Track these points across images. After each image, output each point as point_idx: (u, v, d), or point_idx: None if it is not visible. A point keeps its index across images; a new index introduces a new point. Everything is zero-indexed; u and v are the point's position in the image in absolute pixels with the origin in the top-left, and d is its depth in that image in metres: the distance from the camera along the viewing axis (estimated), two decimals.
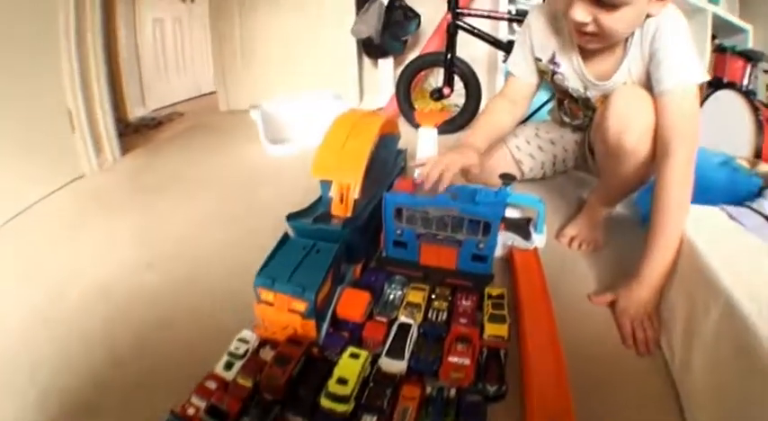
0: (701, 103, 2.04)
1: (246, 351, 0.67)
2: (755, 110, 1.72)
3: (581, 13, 0.83)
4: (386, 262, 0.90)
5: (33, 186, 1.58)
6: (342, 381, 0.58)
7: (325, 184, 0.86)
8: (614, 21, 0.84)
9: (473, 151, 1.01)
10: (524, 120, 1.54)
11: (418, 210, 0.82)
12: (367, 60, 2.81)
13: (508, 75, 1.19)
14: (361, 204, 0.85)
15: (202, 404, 0.58)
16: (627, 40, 0.94)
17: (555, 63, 1.08)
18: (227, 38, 2.96)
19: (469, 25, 2.00)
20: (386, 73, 2.66)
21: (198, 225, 1.27)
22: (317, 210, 0.87)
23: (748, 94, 1.87)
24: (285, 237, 0.81)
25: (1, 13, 1.45)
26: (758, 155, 1.68)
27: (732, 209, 0.88)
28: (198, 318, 0.85)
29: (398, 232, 0.85)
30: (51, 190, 1.62)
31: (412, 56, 2.53)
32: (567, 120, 1.28)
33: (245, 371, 0.63)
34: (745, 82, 2.03)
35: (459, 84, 2.11)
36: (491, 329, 0.70)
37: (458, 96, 2.16)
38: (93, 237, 1.26)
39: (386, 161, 1.04)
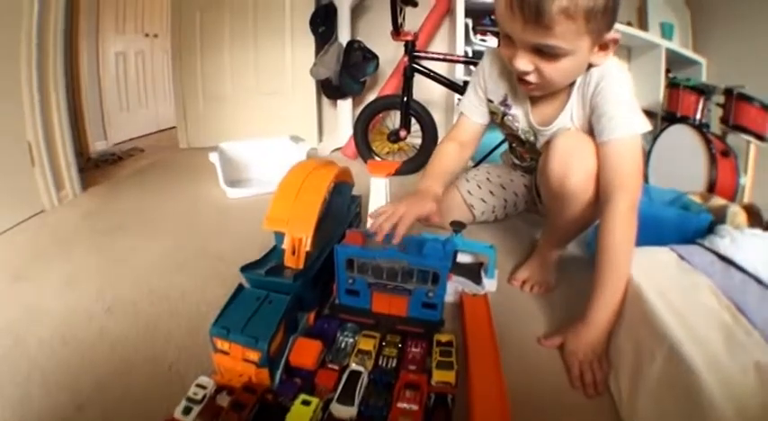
0: (656, 138, 2.14)
1: (204, 396, 0.68)
2: (708, 143, 1.83)
3: (523, 63, 0.88)
4: (339, 309, 0.94)
5: None
6: None
7: (280, 235, 0.90)
8: (555, 70, 0.88)
9: (430, 198, 1.07)
10: (478, 163, 1.63)
11: (369, 261, 0.87)
12: (326, 101, 2.89)
13: (460, 115, 1.24)
14: (313, 256, 0.89)
15: None
16: (570, 86, 0.99)
17: (506, 105, 1.13)
18: (188, 75, 2.99)
19: (426, 68, 2.08)
20: (344, 113, 2.75)
21: (156, 268, 1.29)
22: (272, 259, 0.91)
23: (701, 128, 1.97)
24: (240, 288, 0.84)
25: None
26: (712, 186, 1.77)
27: (682, 248, 0.92)
28: (157, 364, 0.86)
29: (350, 281, 0.89)
30: (10, 225, 1.63)
31: (371, 96, 2.65)
32: (516, 162, 1.36)
33: (203, 416, 0.65)
34: (698, 116, 2.10)
35: (416, 125, 2.18)
36: (439, 376, 0.73)
37: (415, 137, 2.23)
38: (52, 277, 1.26)
39: (340, 208, 1.08)
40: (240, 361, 0.73)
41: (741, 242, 0.91)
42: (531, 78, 0.92)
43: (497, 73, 1.12)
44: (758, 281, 0.81)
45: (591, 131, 0.96)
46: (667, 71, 2.73)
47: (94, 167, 2.60)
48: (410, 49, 2.05)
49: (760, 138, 1.96)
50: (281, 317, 0.77)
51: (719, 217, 1.23)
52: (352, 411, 0.67)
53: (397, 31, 2.01)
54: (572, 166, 0.93)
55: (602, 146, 0.90)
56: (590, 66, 0.92)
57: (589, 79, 0.94)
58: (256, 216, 0.94)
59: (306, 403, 0.65)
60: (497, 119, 1.18)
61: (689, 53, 2.71)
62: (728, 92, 2.03)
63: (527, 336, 0.93)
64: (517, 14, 0.80)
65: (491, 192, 1.40)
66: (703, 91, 2.12)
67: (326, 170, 0.99)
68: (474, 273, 1.03)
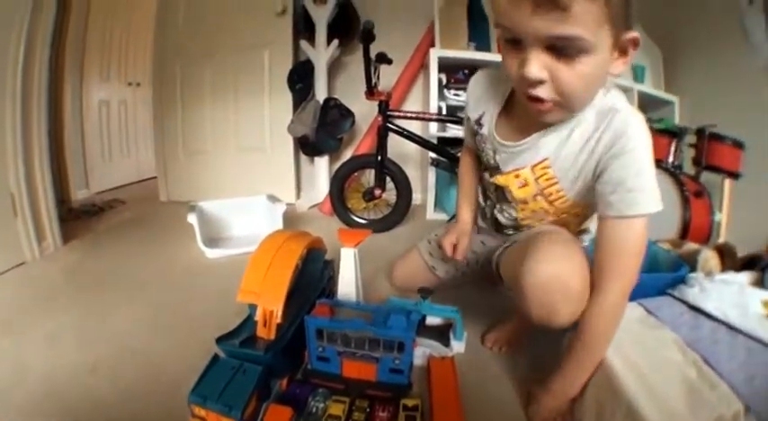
0: None
1: None
2: (681, 185, 1.89)
3: (535, 68, 0.72)
4: (310, 374, 1.00)
5: None
6: None
7: (253, 306, 0.97)
8: (575, 76, 0.73)
9: (464, 229, 1.21)
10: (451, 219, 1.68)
11: (337, 331, 0.94)
12: (305, 157, 2.97)
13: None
14: (284, 326, 0.96)
15: None
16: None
17: (480, 124, 1.06)
18: (169, 129, 3.08)
19: (399, 127, 2.17)
20: (322, 170, 2.84)
21: (137, 329, 1.34)
22: (246, 329, 0.98)
23: (675, 170, 2.05)
24: (216, 358, 0.91)
25: None
26: (687, 227, 1.83)
27: (651, 301, 0.99)
28: None
29: (320, 349, 0.96)
30: None
31: (348, 152, 2.74)
32: (482, 204, 1.26)
33: None
34: (671, 158, 2.18)
35: (391, 182, 2.26)
36: None
37: (392, 193, 2.31)
38: (36, 333, 1.31)
39: (313, 274, 1.16)
40: None
41: (710, 290, 0.97)
42: (545, 92, 0.76)
43: (480, 91, 1.05)
44: (729, 326, 0.88)
45: (579, 182, 0.90)
46: None
47: (76, 218, 2.66)
48: (384, 108, 2.14)
49: (734, 175, 2.06)
50: (254, 387, 0.83)
51: (692, 263, 1.26)
52: None
53: (371, 90, 2.10)
54: (556, 309, 0.81)
55: (608, 219, 0.81)
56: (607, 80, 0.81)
57: (605, 124, 0.82)
58: (234, 275, 1.01)
59: None
60: (479, 138, 1.08)
61: (661, 94, 2.84)
62: (700, 132, 2.14)
63: (493, 397, 0.99)
64: (532, 4, 0.66)
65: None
66: (675, 133, 2.21)
67: (296, 244, 1.07)
68: (442, 335, 1.10)
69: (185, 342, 1.20)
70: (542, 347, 1.10)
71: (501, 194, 1.09)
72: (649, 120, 2.73)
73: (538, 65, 0.72)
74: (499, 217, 1.15)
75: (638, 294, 0.94)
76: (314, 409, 0.90)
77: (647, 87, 2.85)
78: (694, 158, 2.17)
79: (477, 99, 1.06)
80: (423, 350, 1.08)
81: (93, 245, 2.21)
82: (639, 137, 0.79)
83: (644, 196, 0.78)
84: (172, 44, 3.00)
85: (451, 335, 1.11)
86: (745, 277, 1.09)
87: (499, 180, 1.04)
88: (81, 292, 1.61)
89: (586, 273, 0.82)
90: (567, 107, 0.80)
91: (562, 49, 0.70)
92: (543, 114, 0.82)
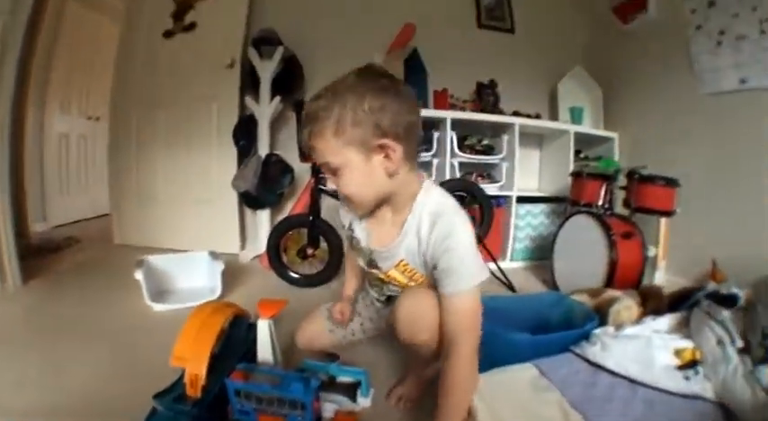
0: (560, 227, 2.36)
1: None
2: (608, 229, 2.04)
3: (329, 183, 1.16)
4: None
5: None
6: None
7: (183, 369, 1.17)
8: (345, 184, 1.05)
9: (348, 301, 1.49)
10: None
11: (251, 392, 1.13)
12: (249, 210, 3.11)
13: None
14: (210, 385, 1.15)
15: None
16: (401, 215, 1.14)
17: (351, 229, 1.31)
18: (124, 173, 3.21)
19: (332, 189, 2.29)
20: (263, 223, 2.99)
21: (92, 378, 1.47)
22: (179, 386, 1.18)
23: (604, 213, 2.20)
24: (154, 410, 1.12)
25: None
26: (614, 267, 1.97)
27: (547, 362, 1.08)
28: None
29: (239, 405, 1.16)
30: None
31: (290, 204, 2.87)
32: (373, 295, 1.47)
33: None
34: (601, 201, 2.32)
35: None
36: None
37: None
38: (2, 378, 1.45)
39: (236, 339, 1.36)
40: None
41: (612, 347, 1.05)
42: (340, 195, 1.14)
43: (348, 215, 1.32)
44: (630, 380, 0.95)
45: (426, 264, 1.13)
46: (578, 152, 3.02)
47: (35, 254, 2.81)
48: (317, 171, 2.33)
49: (667, 213, 2.18)
50: None
51: (605, 316, 1.36)
52: None
53: (303, 155, 2.29)
54: (417, 327, 1.11)
55: (448, 297, 1.05)
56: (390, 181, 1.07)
57: (420, 215, 1.11)
58: (177, 329, 1.21)
59: None
60: (353, 241, 1.32)
61: (599, 132, 3.02)
62: (630, 175, 2.26)
63: None
64: (305, 145, 1.07)
65: (358, 314, 1.54)
66: (606, 176, 2.34)
67: (218, 317, 1.28)
68: (350, 391, 1.29)
69: (132, 392, 1.28)
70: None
71: (382, 282, 1.35)
72: (586, 159, 2.96)
73: (330, 182, 1.12)
74: (389, 293, 1.38)
75: (544, 353, 1.11)
76: None
77: (585, 128, 3.03)
78: (624, 201, 2.32)
79: (345, 211, 1.32)
80: (332, 406, 1.26)
81: (52, 287, 2.36)
82: (461, 234, 1.06)
83: (468, 277, 1.04)
84: (130, 89, 3.15)
85: (359, 392, 1.30)
86: (664, 322, 1.16)
87: (381, 276, 1.30)
88: (40, 339, 1.76)
89: (435, 308, 1.08)
90: (355, 203, 1.12)
91: (329, 169, 1.05)
92: (353, 209, 1.20)
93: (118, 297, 2.24)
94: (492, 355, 1.22)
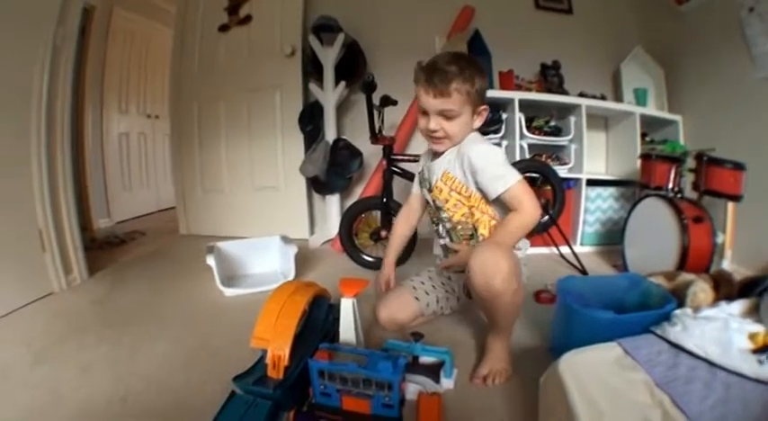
0: (630, 211, 2.31)
1: None
2: (679, 213, 1.98)
3: (434, 124, 1.41)
4: (315, 407, 1.17)
5: (7, 297, 1.87)
6: None
7: (264, 350, 1.17)
8: (453, 126, 1.42)
9: (389, 269, 1.75)
10: None
11: (336, 373, 1.12)
12: (317, 195, 3.14)
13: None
14: (291, 367, 1.15)
15: None
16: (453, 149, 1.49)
17: (423, 169, 1.66)
18: (187, 164, 3.29)
19: (403, 170, 2.32)
20: (333, 207, 3.01)
21: (162, 364, 1.50)
22: (258, 369, 1.17)
23: (674, 196, 2.14)
24: (233, 394, 1.10)
25: None
26: (686, 252, 1.93)
27: (630, 341, 1.04)
28: None
29: (322, 386, 1.14)
30: (21, 304, 1.90)
31: (359, 189, 2.90)
32: (441, 242, 1.68)
33: None
34: (671, 184, 2.26)
35: None
36: None
37: None
38: (70, 364, 1.49)
39: (318, 319, 1.36)
40: None
41: (692, 328, 1.02)
42: (440, 134, 1.44)
43: (424, 156, 1.70)
44: (709, 363, 0.94)
45: (468, 177, 1.45)
46: (644, 135, 2.93)
47: (99, 248, 2.89)
48: (387, 153, 2.32)
49: (735, 198, 2.09)
50: (264, 419, 1.03)
51: (682, 299, 1.33)
52: None
53: (374, 136, 2.29)
54: (490, 272, 1.24)
55: (502, 196, 1.38)
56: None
57: (461, 147, 1.46)
58: (250, 313, 1.21)
59: None
60: (424, 184, 1.65)
61: (664, 114, 2.91)
62: (698, 157, 2.18)
63: None
64: (430, 92, 1.37)
65: (433, 287, 1.69)
66: (675, 159, 2.28)
67: (301, 296, 1.27)
68: (434, 372, 1.27)
69: (207, 377, 1.35)
70: (531, 378, 1.21)
71: (436, 208, 1.60)
72: (652, 142, 2.86)
73: (435, 122, 1.42)
74: (441, 230, 1.64)
75: (623, 333, 1.09)
76: None
77: (650, 109, 2.94)
78: (693, 184, 2.22)
79: (423, 158, 1.71)
80: (414, 386, 1.25)
81: (118, 278, 2.40)
82: (488, 153, 1.42)
83: (508, 177, 1.37)
84: (187, 86, 3.24)
85: (442, 373, 1.28)
86: (737, 307, 1.13)
87: (433, 193, 1.58)
88: (109, 327, 1.79)
89: (511, 260, 1.26)
90: (452, 140, 1.47)
91: (447, 114, 1.39)
92: (439, 145, 1.50)
93: (187, 284, 2.29)
94: (574, 333, 1.25)
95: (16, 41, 1.92)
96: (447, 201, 1.54)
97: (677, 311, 1.14)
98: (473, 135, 1.49)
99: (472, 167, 1.41)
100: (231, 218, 3.27)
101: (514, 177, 1.37)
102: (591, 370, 0.96)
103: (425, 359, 1.32)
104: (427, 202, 1.66)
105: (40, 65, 2.02)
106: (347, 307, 1.35)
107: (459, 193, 1.50)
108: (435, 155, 1.57)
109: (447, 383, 1.29)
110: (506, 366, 1.36)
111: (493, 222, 1.51)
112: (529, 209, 1.36)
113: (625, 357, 1.00)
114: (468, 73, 1.36)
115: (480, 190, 1.45)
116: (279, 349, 1.14)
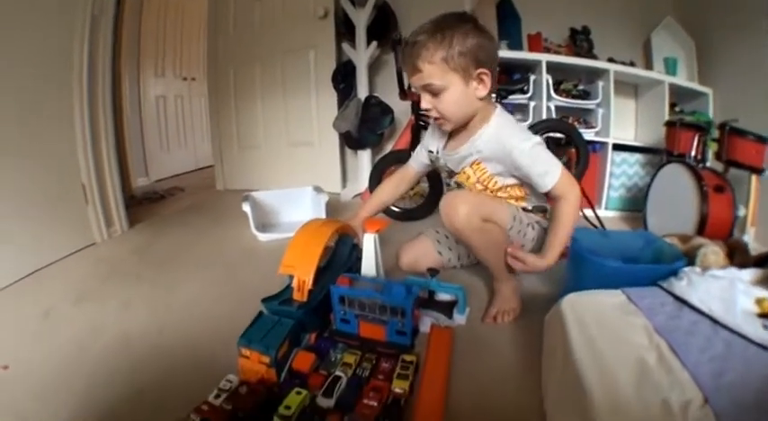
0: (653, 177, 2.33)
1: (230, 387, 1.04)
2: (700, 180, 1.99)
3: (424, 103, 1.32)
4: (335, 333, 1.29)
5: (53, 248, 2.00)
6: (287, 408, 0.95)
7: (291, 277, 1.29)
8: (444, 104, 1.31)
9: (357, 220, 1.63)
10: None
11: (355, 299, 1.23)
12: (349, 150, 3.25)
13: (407, 164, 1.77)
14: (314, 292, 1.26)
15: (197, 418, 0.94)
16: (474, 132, 1.41)
17: (432, 151, 1.60)
18: (224, 122, 3.43)
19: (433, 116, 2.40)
20: (364, 162, 3.10)
21: (197, 300, 1.62)
22: (285, 294, 1.29)
23: (696, 164, 2.14)
24: (260, 314, 1.22)
25: (28, 106, 1.87)
26: (704, 222, 1.94)
27: (635, 290, 1.06)
28: (198, 366, 1.21)
29: (342, 313, 1.26)
30: (66, 254, 2.03)
31: (389, 145, 2.98)
32: None
33: (228, 399, 1.00)
34: (694, 152, 2.25)
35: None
36: (396, 383, 1.05)
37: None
38: (111, 301, 1.61)
39: (341, 254, 1.48)
40: (257, 363, 1.09)
41: (697, 284, 1.02)
42: (434, 113, 1.35)
43: (435, 131, 1.58)
44: (712, 320, 0.93)
45: (498, 166, 1.42)
46: (673, 105, 2.91)
47: (138, 204, 3.03)
48: (416, 108, 2.39)
49: (757, 170, 2.06)
50: (287, 334, 1.14)
51: (693, 260, 1.35)
52: (330, 402, 1.00)
53: (403, 93, 2.36)
54: (452, 208, 1.35)
55: (550, 193, 1.35)
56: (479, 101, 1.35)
57: (490, 132, 1.38)
58: (281, 256, 1.31)
59: (299, 393, 1.00)
60: (436, 161, 1.63)
61: (694, 85, 2.85)
62: (722, 127, 2.15)
63: (483, 361, 1.21)
64: (407, 69, 1.30)
65: (456, 242, 1.72)
66: (700, 128, 2.28)
67: (326, 228, 1.37)
68: (447, 309, 1.37)
69: (238, 308, 1.43)
70: (537, 322, 1.26)
71: (449, 175, 1.60)
72: (681, 113, 2.84)
73: (425, 101, 1.32)
74: (453, 186, 1.63)
75: (630, 283, 1.12)
76: (333, 358, 1.18)
77: (680, 80, 2.88)
78: (716, 153, 2.20)
79: (435, 137, 1.60)
80: (429, 320, 1.35)
81: (157, 228, 2.54)
82: (524, 154, 1.33)
83: (550, 170, 1.33)
84: (223, 47, 3.37)
85: (455, 310, 1.38)
86: (748, 274, 1.12)
87: (458, 177, 1.54)
88: (149, 269, 1.91)
89: (469, 205, 1.35)
90: (450, 120, 1.37)
91: (431, 91, 1.29)
92: (441, 126, 1.43)
93: (223, 232, 2.42)
94: (582, 280, 1.27)
95: (58, 15, 2.03)
96: (470, 184, 1.52)
97: (686, 268, 1.15)
98: (499, 119, 1.40)
99: (515, 164, 1.35)
100: (266, 173, 3.42)
101: (557, 168, 1.33)
102: (593, 310, 1.00)
103: (440, 296, 1.41)
104: (433, 170, 1.73)
105: (79, 34, 2.13)
106: (369, 241, 1.44)
107: (486, 187, 1.49)
108: (455, 137, 1.51)
109: (459, 319, 1.39)
110: (514, 306, 1.45)
111: (515, 192, 1.52)
112: (574, 194, 1.34)
113: (628, 304, 1.02)
114: (441, 35, 1.21)
115: (518, 177, 1.44)
116: (304, 274, 1.25)
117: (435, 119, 1.39)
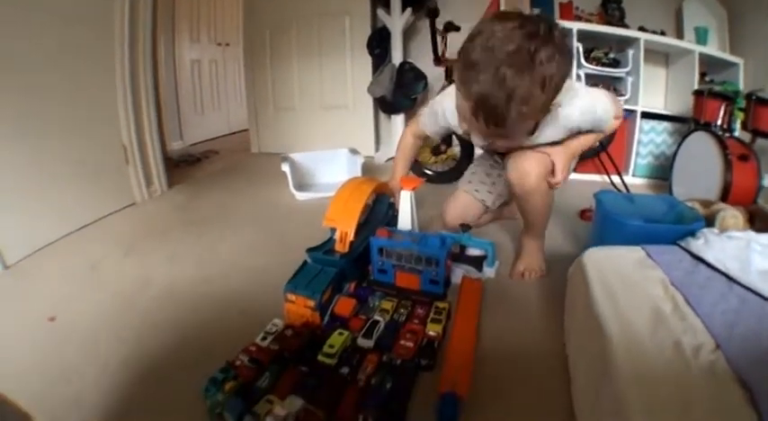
0: (679, 145, 2.36)
1: (276, 330, 1.14)
2: (724, 148, 2.01)
3: (477, 140, 1.42)
4: (372, 283, 1.39)
5: (96, 206, 2.10)
6: (331, 347, 1.05)
7: (333, 229, 1.39)
8: (511, 140, 1.30)
9: (394, 180, 1.65)
10: None
11: (393, 249, 1.32)
12: (383, 114, 3.32)
13: (421, 122, 1.59)
14: (355, 244, 1.36)
15: (246, 359, 1.04)
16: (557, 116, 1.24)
17: (469, 134, 1.43)
18: (259, 85, 3.49)
19: None
20: (398, 127, 3.16)
21: (241, 252, 1.71)
22: (327, 245, 1.39)
23: (723, 133, 2.15)
24: (305, 263, 1.33)
25: (73, 75, 1.94)
26: (728, 189, 1.96)
27: (654, 247, 1.10)
28: (245, 312, 1.30)
29: (380, 263, 1.36)
30: (108, 213, 2.13)
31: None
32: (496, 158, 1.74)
33: (275, 341, 1.10)
34: (720, 121, 2.24)
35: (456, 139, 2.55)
36: (430, 327, 1.15)
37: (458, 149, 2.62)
38: (156, 254, 1.70)
39: (379, 211, 1.58)
40: (302, 307, 1.20)
41: (714, 243, 1.04)
42: (499, 145, 1.43)
43: (456, 117, 1.32)
44: (727, 276, 0.95)
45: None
46: (704, 74, 2.90)
47: (175, 167, 3.11)
48: (450, 74, 2.45)
49: None
50: (330, 281, 1.24)
51: (712, 223, 1.38)
52: (370, 343, 1.11)
53: (437, 58, 2.42)
54: (528, 171, 1.34)
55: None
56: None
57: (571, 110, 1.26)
58: (318, 214, 1.39)
59: (341, 334, 1.11)
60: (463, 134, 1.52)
61: (724, 56, 2.83)
62: (748, 96, 2.16)
63: (507, 311, 1.30)
64: (482, 121, 1.02)
65: (493, 183, 1.75)
66: (727, 97, 2.26)
67: (366, 185, 1.46)
68: (477, 262, 1.47)
69: (281, 259, 1.52)
70: (561, 280, 1.28)
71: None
72: (711, 83, 2.84)
73: (478, 139, 1.39)
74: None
75: (650, 243, 1.15)
76: (371, 304, 1.30)
77: (709, 49, 2.86)
78: (743, 123, 2.21)
79: (455, 121, 1.39)
80: (460, 272, 1.44)
81: (196, 188, 2.64)
82: (587, 120, 1.30)
83: (606, 116, 1.31)
84: (259, 12, 3.39)
85: (485, 264, 1.47)
86: (766, 238, 1.10)
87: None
88: (191, 226, 2.00)
89: (541, 161, 1.33)
90: (516, 146, 1.38)
91: (499, 134, 1.13)
92: (499, 148, 1.50)
93: (261, 191, 2.51)
94: (605, 239, 1.31)
95: None
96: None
97: (704, 229, 1.17)
98: (572, 93, 1.23)
99: (584, 126, 1.32)
100: (301, 136, 3.49)
101: (611, 110, 1.31)
102: (612, 263, 1.04)
103: (471, 251, 1.51)
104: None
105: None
106: (405, 198, 1.53)
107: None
108: None
109: (489, 272, 1.48)
110: (541, 264, 1.52)
111: None
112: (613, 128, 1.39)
113: (647, 259, 1.06)
114: (522, 95, 0.95)
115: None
116: (346, 226, 1.35)
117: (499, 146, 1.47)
